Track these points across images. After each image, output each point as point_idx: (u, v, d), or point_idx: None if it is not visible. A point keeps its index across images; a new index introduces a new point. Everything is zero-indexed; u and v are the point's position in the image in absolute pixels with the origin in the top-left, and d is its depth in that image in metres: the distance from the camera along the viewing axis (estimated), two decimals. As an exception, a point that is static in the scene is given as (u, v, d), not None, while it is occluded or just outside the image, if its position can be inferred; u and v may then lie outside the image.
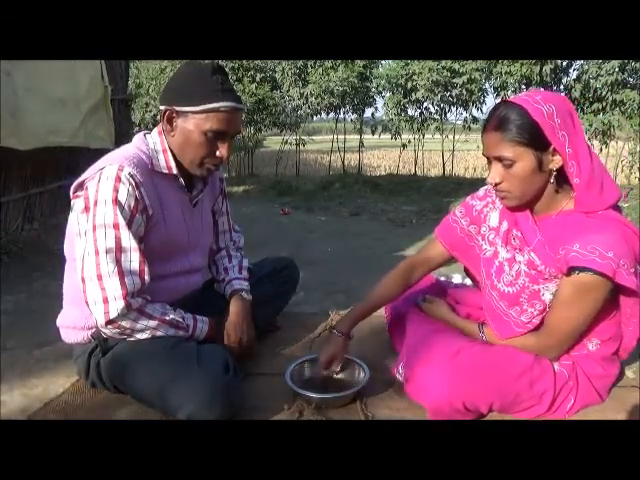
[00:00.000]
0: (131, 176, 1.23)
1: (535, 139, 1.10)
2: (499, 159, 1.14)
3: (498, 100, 6.19)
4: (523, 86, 5.88)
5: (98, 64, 3.63)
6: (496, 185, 1.17)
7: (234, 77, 6.75)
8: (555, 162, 1.13)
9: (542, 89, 5.74)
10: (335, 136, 7.46)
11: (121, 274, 1.22)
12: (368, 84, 6.78)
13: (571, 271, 1.12)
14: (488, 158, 1.18)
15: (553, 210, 1.21)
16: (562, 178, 1.17)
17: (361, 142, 7.34)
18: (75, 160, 3.66)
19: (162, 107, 1.32)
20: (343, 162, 7.55)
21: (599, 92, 5.43)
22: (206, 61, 1.32)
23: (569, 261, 1.11)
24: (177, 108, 1.28)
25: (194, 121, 1.28)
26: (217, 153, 1.32)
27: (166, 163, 1.34)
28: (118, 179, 1.22)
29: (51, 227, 3.32)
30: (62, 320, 1.40)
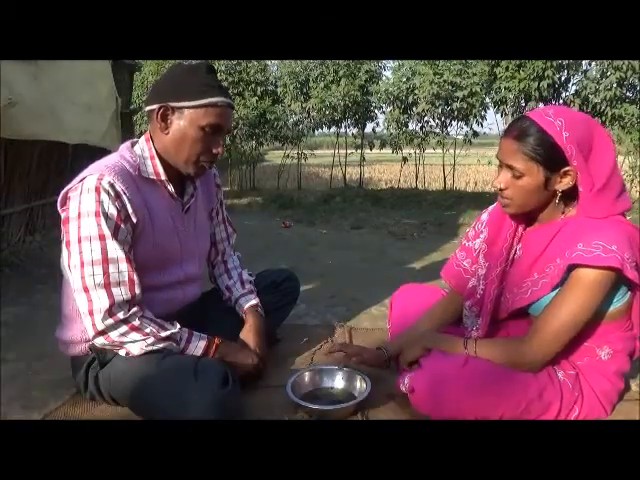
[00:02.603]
0: (111, 185, 1.22)
1: (548, 159, 1.14)
2: (510, 167, 1.18)
3: (499, 115, 6.26)
4: (522, 101, 5.93)
5: (111, 76, 3.69)
6: (500, 190, 1.22)
7: (235, 91, 6.80)
8: (562, 184, 1.18)
9: (541, 104, 5.78)
10: (336, 150, 7.50)
11: (108, 285, 1.21)
12: (369, 98, 6.82)
13: (575, 268, 1.13)
14: (500, 162, 1.22)
15: (555, 218, 1.25)
16: (570, 195, 1.21)
17: (362, 156, 7.37)
18: (78, 172, 3.68)
19: (153, 106, 1.30)
20: (344, 176, 7.58)
21: (598, 107, 5.47)
22: (194, 61, 1.33)
23: (574, 259, 1.12)
24: (172, 104, 1.28)
25: (191, 116, 1.27)
26: (213, 150, 1.33)
27: (154, 169, 1.34)
28: (98, 190, 1.21)
29: (53, 239, 3.32)
30: (60, 333, 1.40)
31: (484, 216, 1.44)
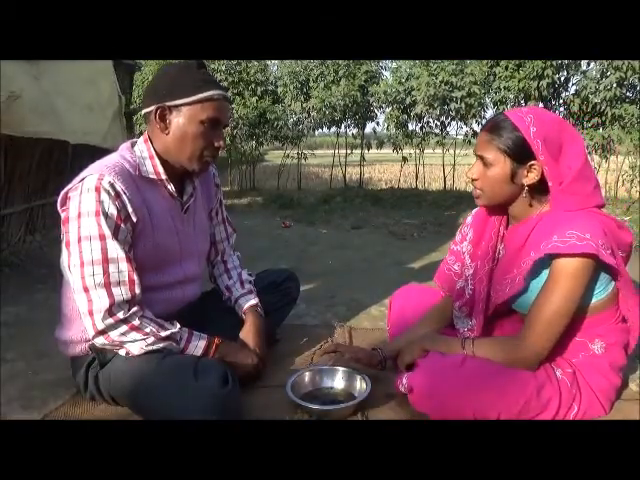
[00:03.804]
0: (111, 185, 1.23)
1: (516, 152, 1.21)
2: (482, 158, 1.25)
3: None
4: (522, 101, 5.92)
5: (113, 75, 3.68)
6: (473, 180, 1.29)
7: (235, 91, 6.80)
8: (528, 179, 1.23)
9: (541, 104, 5.78)
10: (336, 150, 7.50)
11: (108, 285, 1.21)
12: (369, 98, 6.82)
13: (552, 259, 1.16)
14: (475, 155, 1.29)
15: (531, 214, 1.28)
16: (540, 190, 1.24)
17: (362, 156, 7.37)
18: (78, 172, 3.69)
19: (150, 108, 1.31)
20: (344, 176, 7.57)
21: (598, 107, 5.46)
22: (183, 61, 1.34)
23: (550, 250, 1.14)
24: (169, 103, 1.28)
25: (189, 113, 1.29)
26: (215, 143, 1.33)
27: (154, 169, 1.34)
28: (98, 190, 1.21)
29: (53, 239, 3.32)
30: (60, 333, 1.40)
31: (469, 219, 1.48)
